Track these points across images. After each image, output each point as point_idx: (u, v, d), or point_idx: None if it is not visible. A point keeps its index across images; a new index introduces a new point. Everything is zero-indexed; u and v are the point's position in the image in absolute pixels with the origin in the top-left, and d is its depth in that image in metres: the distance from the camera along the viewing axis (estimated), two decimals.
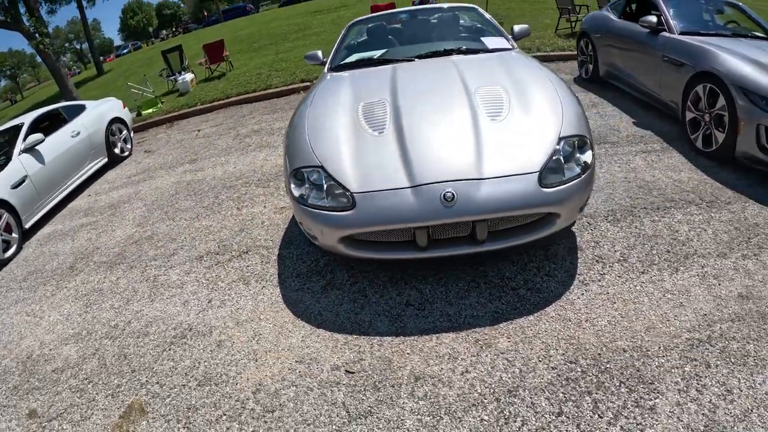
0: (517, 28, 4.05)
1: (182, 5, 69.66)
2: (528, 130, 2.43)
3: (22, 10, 13.57)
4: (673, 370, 1.90)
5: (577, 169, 2.34)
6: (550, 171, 2.28)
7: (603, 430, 1.68)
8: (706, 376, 1.85)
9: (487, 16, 4.40)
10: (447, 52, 3.62)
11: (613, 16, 5.90)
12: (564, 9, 9.19)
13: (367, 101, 2.89)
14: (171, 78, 10.97)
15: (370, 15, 5.05)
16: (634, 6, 5.69)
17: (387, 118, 2.66)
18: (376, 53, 3.92)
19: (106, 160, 6.26)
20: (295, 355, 2.25)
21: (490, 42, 3.78)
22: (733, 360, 1.93)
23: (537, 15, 10.95)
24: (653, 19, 4.78)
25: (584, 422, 1.72)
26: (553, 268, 2.62)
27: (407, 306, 2.44)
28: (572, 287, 2.45)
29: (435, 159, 2.34)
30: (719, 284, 2.39)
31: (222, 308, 2.72)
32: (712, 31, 4.63)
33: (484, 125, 2.48)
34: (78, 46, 61.21)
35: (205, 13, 43.99)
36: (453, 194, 2.17)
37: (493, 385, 1.92)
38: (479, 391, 1.91)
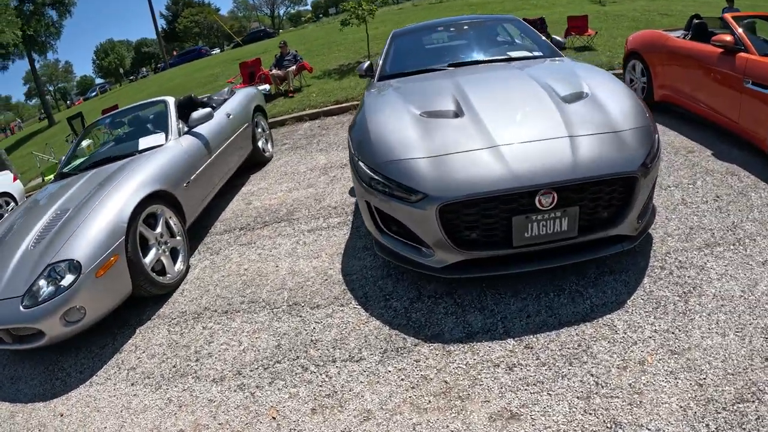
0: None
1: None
2: (39, 254, 2.90)
3: None
4: None
5: (48, 292, 2.74)
6: (32, 295, 2.75)
7: None
8: None
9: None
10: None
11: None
12: None
13: None
14: None
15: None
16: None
17: None
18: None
19: None
20: None
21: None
22: None
23: None
24: (364, 65, 4.24)
25: None
26: (82, 366, 2.88)
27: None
28: (81, 388, 2.70)
29: None
30: (175, 414, 2.28)
31: None
32: (426, 67, 3.71)
33: (24, 255, 2.99)
34: (50, 88, 61.55)
35: (174, 52, 44.80)
36: None
37: None
38: None
